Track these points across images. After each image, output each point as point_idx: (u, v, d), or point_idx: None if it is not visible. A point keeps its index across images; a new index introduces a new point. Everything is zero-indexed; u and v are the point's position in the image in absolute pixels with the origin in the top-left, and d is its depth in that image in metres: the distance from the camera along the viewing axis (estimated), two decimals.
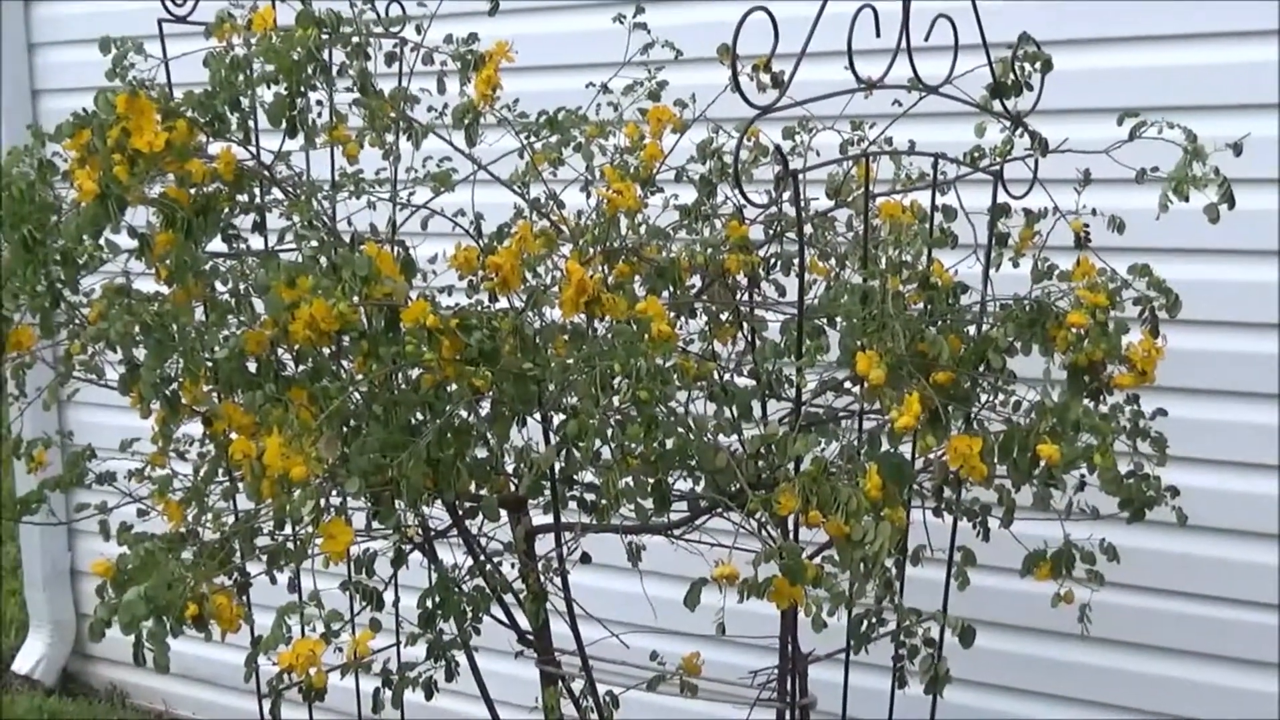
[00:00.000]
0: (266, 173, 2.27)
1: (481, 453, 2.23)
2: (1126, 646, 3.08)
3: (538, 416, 2.28)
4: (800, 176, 2.10)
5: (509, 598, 2.49)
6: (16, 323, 2.15)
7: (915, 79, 2.18)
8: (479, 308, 2.22)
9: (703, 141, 2.46)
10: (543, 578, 2.45)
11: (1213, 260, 2.84)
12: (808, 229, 2.36)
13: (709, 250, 2.29)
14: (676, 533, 2.38)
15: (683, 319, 2.41)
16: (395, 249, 2.22)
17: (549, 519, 2.44)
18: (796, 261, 2.20)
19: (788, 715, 2.41)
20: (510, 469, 2.40)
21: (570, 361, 2.06)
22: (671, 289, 2.27)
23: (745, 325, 2.46)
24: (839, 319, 2.23)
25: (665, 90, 2.50)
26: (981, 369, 2.20)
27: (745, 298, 2.47)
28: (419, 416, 2.14)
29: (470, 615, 2.39)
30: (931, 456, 2.20)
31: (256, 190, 2.28)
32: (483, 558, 2.46)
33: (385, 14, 2.34)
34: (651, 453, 1.97)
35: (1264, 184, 2.79)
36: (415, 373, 2.15)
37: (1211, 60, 2.85)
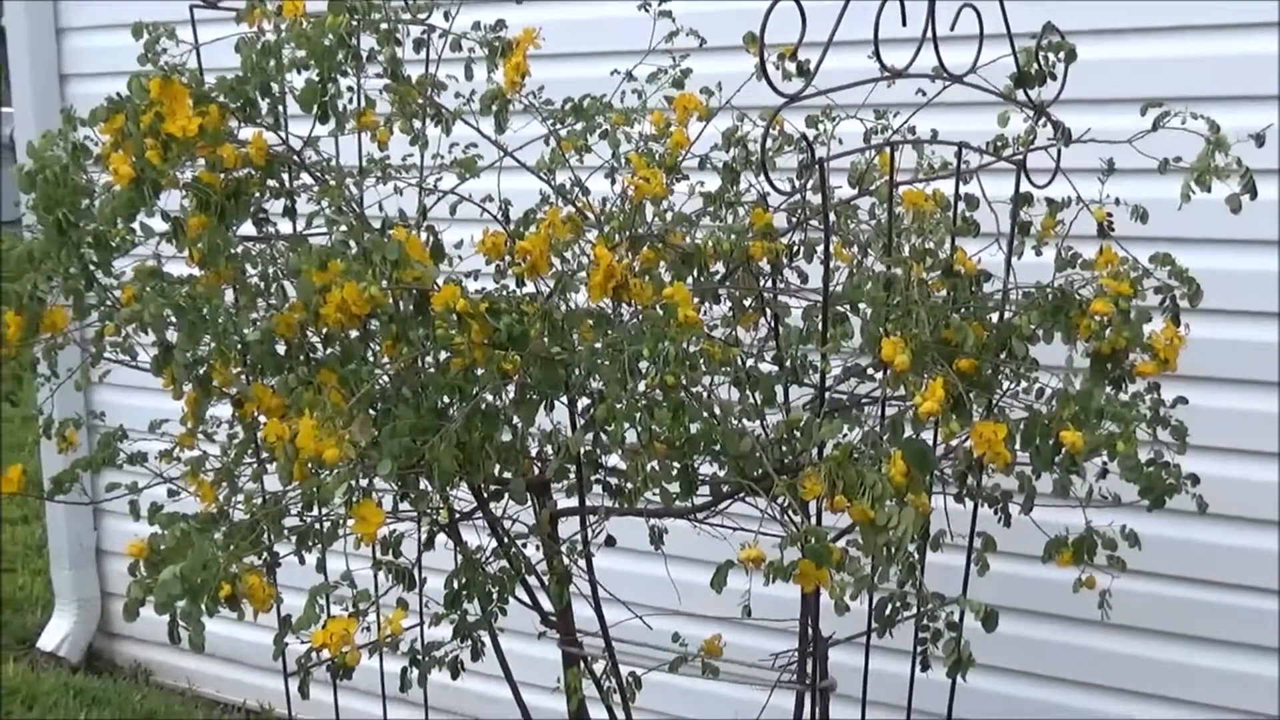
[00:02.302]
0: (296, 158, 2.29)
1: (505, 436, 2.25)
2: (1146, 632, 3.10)
3: (564, 400, 2.30)
4: (825, 164, 2.12)
5: (532, 580, 2.51)
6: (50, 305, 2.18)
7: (940, 68, 2.19)
8: (505, 292, 2.24)
9: (728, 129, 2.48)
10: (567, 560, 2.48)
11: (1234, 250, 2.85)
12: (831, 216, 2.37)
13: (733, 237, 2.31)
14: (700, 517, 2.41)
15: (707, 305, 2.43)
16: (424, 234, 2.24)
17: (572, 502, 2.47)
18: (821, 248, 2.21)
19: (808, 698, 2.43)
20: (534, 452, 2.43)
21: (598, 346, 2.08)
22: (696, 275, 2.29)
23: (768, 311, 2.47)
24: (863, 306, 2.25)
25: (689, 78, 2.51)
26: (1004, 356, 2.22)
27: (769, 284, 2.48)
28: (445, 400, 2.16)
29: (495, 596, 2.43)
30: (954, 443, 2.21)
31: (286, 175, 2.31)
32: (507, 540, 2.48)
33: (413, 0, 2.35)
34: (678, 437, 1.98)
35: None
36: (443, 356, 2.17)
37: (1235, 51, 2.86)
